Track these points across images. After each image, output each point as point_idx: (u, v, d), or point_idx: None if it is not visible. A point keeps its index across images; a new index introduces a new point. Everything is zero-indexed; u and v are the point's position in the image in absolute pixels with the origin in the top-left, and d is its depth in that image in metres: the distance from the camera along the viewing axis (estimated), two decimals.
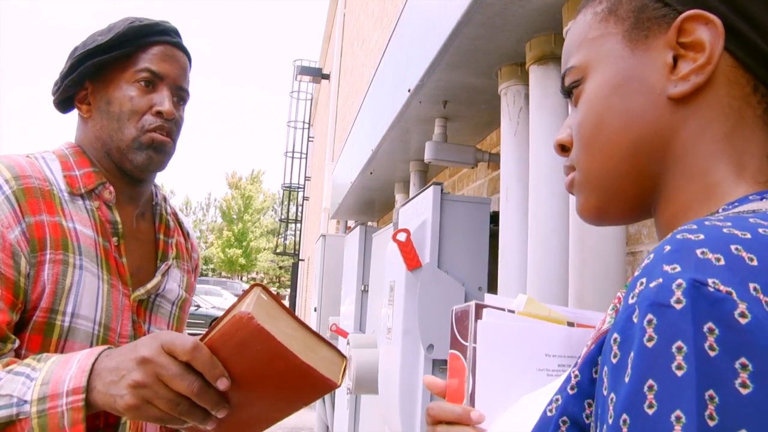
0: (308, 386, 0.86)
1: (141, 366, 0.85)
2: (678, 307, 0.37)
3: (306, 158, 22.43)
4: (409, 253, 2.08)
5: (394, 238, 2.11)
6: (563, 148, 0.64)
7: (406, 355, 2.12)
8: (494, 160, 2.40)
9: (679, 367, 0.36)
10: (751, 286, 0.37)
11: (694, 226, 0.42)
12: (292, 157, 22.83)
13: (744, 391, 0.34)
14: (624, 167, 0.57)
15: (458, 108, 2.30)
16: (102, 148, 1.21)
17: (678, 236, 0.41)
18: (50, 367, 0.92)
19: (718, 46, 0.53)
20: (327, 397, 6.07)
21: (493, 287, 2.02)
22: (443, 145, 2.40)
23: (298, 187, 22.92)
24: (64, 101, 1.25)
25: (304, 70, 17.39)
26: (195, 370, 0.85)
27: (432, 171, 3.34)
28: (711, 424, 0.34)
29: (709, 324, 0.36)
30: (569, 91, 0.63)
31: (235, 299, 0.93)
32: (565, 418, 0.48)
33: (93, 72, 1.20)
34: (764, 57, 0.54)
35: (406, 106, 2.30)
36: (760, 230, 0.41)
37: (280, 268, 50.57)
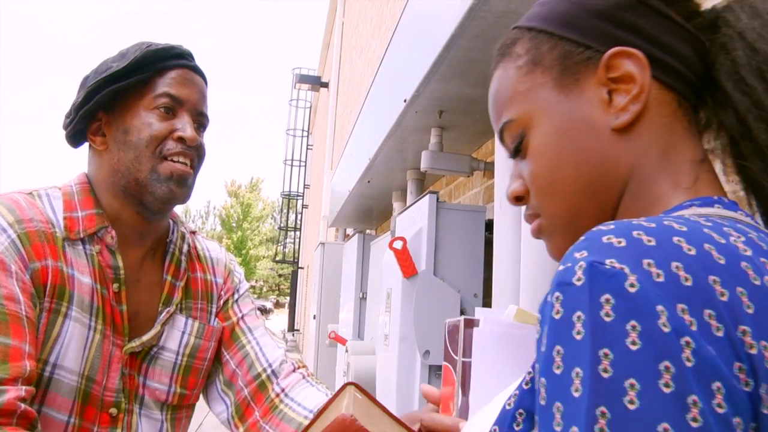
0: None
1: None
2: (578, 284, 0.43)
3: (305, 166, 22.50)
4: (405, 260, 2.11)
5: (390, 246, 2.14)
6: (518, 199, 0.67)
7: (402, 361, 2.15)
8: (489, 169, 2.44)
9: (578, 333, 0.42)
10: (645, 261, 0.43)
11: (612, 223, 0.47)
12: (291, 165, 22.90)
13: (633, 348, 0.40)
14: (587, 204, 0.61)
15: (454, 118, 2.34)
16: (119, 182, 1.13)
17: (594, 229, 0.47)
18: None
19: (646, 74, 0.59)
20: None
21: (488, 294, 2.05)
22: (439, 155, 2.44)
23: (298, 195, 22.97)
24: (76, 134, 1.17)
25: (303, 79, 17.46)
26: None
27: (429, 179, 3.37)
28: (605, 376, 0.40)
29: (606, 295, 0.42)
30: (517, 151, 0.66)
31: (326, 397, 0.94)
32: (521, 410, 0.53)
33: (108, 101, 1.13)
34: (683, 76, 0.60)
35: (403, 116, 2.34)
36: (665, 222, 0.47)
37: (280, 276, 50.54)
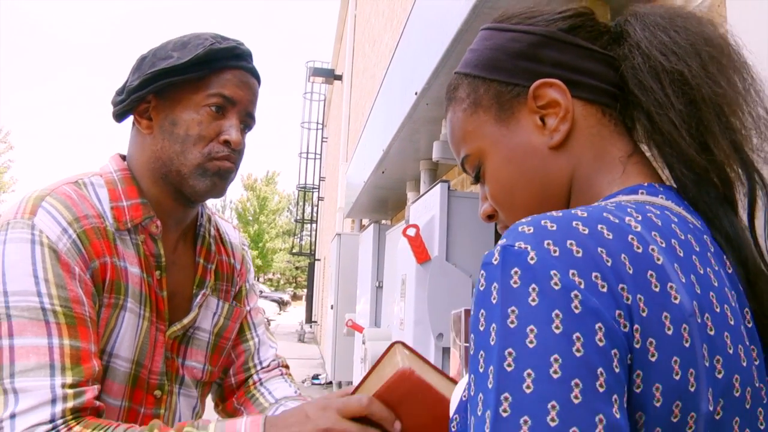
0: None
1: None
2: (495, 262, 0.55)
3: (320, 159, 22.56)
4: (418, 247, 2.19)
5: (404, 233, 2.22)
6: (490, 217, 0.80)
7: (417, 345, 2.24)
8: None
9: (494, 298, 0.53)
10: (545, 242, 0.54)
11: (533, 215, 0.59)
12: (307, 158, 22.96)
13: (533, 303, 0.51)
14: (542, 212, 0.73)
15: None
16: (160, 169, 1.15)
17: (517, 222, 0.58)
18: None
19: (567, 97, 0.71)
20: None
21: None
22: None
23: (313, 188, 23.04)
24: (122, 112, 1.18)
25: (317, 72, 17.50)
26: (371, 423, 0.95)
27: (441, 169, 3.45)
28: (512, 326, 0.51)
29: (515, 268, 0.53)
30: (477, 178, 0.78)
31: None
32: None
33: (160, 88, 1.13)
34: (600, 90, 0.72)
35: (414, 108, 2.42)
36: (573, 210, 0.59)
37: (296, 268, 50.73)
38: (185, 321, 1.21)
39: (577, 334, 0.50)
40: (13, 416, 0.92)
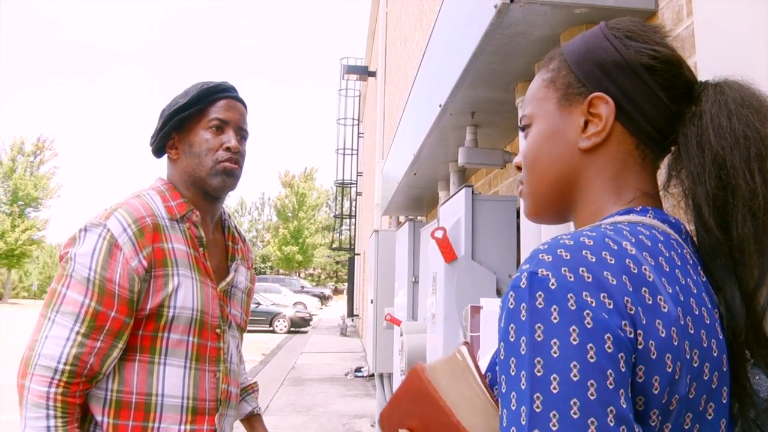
0: None
1: None
2: (523, 286, 0.66)
3: (357, 154, 22.73)
4: (446, 247, 2.37)
5: (432, 235, 2.40)
6: (519, 168, 0.93)
7: (447, 337, 2.42)
8: None
9: (523, 316, 0.65)
10: (562, 269, 0.66)
11: (548, 242, 0.71)
12: (344, 154, 23.15)
13: (555, 321, 0.63)
14: (549, 190, 0.86)
15: (485, 117, 2.58)
16: (189, 179, 1.67)
17: (534, 249, 0.71)
18: None
19: (611, 118, 0.81)
20: (386, 382, 6.39)
21: None
22: (474, 150, 2.68)
23: (351, 183, 23.22)
24: (158, 149, 1.71)
25: (351, 69, 17.66)
26: None
27: (470, 170, 3.59)
28: (539, 339, 0.63)
29: (539, 292, 0.65)
30: (523, 129, 0.91)
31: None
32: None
33: (177, 125, 1.66)
34: (642, 127, 0.82)
35: (439, 118, 2.58)
36: (581, 238, 0.70)
37: (337, 263, 51.05)
38: (228, 279, 1.72)
39: (590, 344, 0.62)
40: (45, 337, 1.43)
